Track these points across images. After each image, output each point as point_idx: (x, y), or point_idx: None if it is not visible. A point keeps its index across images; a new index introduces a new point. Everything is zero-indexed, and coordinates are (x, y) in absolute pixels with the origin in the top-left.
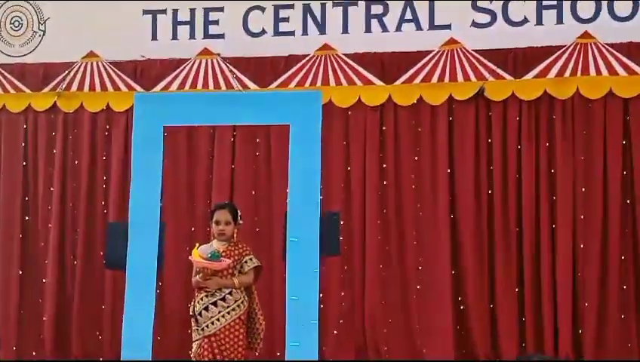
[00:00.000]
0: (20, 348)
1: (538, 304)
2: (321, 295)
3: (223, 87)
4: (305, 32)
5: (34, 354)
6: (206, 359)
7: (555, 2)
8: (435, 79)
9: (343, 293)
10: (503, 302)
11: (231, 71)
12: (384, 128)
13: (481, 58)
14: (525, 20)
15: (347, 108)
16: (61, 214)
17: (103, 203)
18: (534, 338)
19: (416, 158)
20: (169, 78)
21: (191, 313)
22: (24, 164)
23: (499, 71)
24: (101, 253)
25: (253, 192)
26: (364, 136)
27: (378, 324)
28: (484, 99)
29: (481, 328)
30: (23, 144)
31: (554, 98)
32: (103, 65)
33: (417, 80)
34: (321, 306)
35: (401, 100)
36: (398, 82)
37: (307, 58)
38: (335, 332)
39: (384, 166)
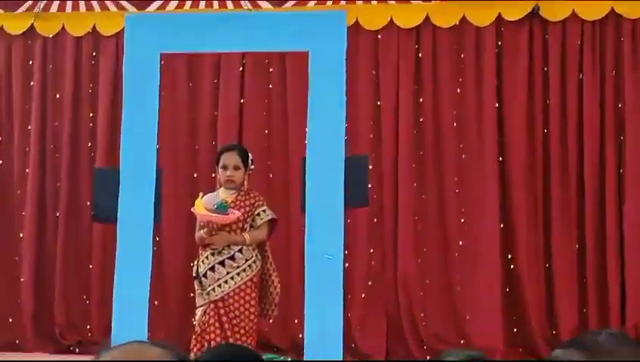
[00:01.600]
0: None
1: (602, 263)
2: (345, 252)
3: (230, 7)
4: None
5: (10, 320)
6: (212, 327)
7: None
8: None
9: (372, 250)
10: (561, 261)
11: None
12: (420, 55)
13: None
14: None
15: (377, 30)
16: (40, 158)
17: (90, 144)
18: (597, 304)
19: (458, 90)
20: None
21: (194, 274)
22: None
23: None
24: (88, 204)
25: (266, 131)
26: (397, 64)
27: (413, 286)
28: (539, 20)
29: (535, 292)
30: None
31: (622, 17)
32: None
33: None
34: (346, 265)
35: (440, 21)
36: None
37: None
38: (363, 295)
39: (420, 100)
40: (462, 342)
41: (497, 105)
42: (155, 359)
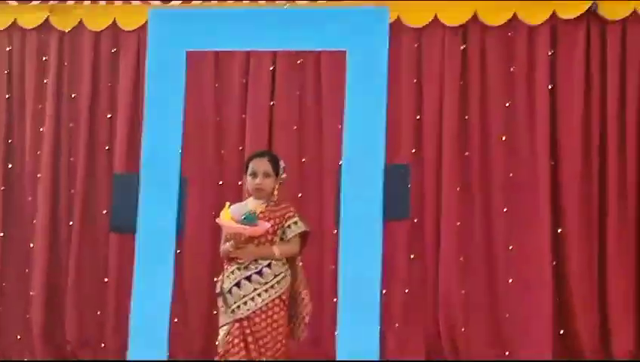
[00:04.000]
0: (1, 330)
1: None
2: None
3: (262, 1)
4: None
5: (18, 337)
6: (236, 348)
7: None
8: None
9: (411, 267)
10: (616, 275)
11: None
12: (467, 55)
13: None
14: None
15: (420, 28)
16: (54, 162)
17: (108, 148)
18: None
19: (507, 94)
20: None
21: (218, 290)
22: (7, 96)
23: None
24: (104, 212)
25: (298, 137)
26: (442, 65)
27: (455, 306)
28: (597, 18)
29: (589, 322)
30: (7, 71)
31: None
32: None
33: None
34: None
35: (489, 19)
36: None
37: None
38: (401, 315)
39: (467, 104)
40: None
41: (550, 110)
42: None
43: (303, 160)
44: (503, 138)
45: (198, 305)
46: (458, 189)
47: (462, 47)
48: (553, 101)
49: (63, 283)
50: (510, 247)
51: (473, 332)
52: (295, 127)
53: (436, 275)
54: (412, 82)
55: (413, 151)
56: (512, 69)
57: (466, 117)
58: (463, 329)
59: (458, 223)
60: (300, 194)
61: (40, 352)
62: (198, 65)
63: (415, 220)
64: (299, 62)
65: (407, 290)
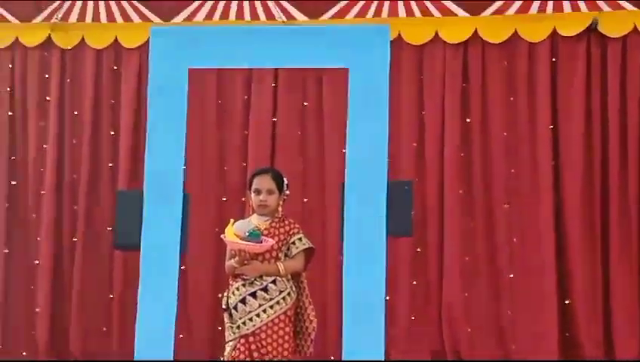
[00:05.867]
0: (7, 347)
1: None
2: (386, 284)
3: (263, 19)
4: None
5: (24, 354)
6: None
7: None
8: (534, 9)
9: (414, 282)
10: (620, 294)
11: None
12: (468, 72)
13: None
14: None
15: (421, 45)
16: (57, 178)
17: (111, 165)
18: None
19: (509, 111)
20: (193, 7)
21: (224, 306)
22: (10, 113)
23: None
24: (108, 229)
25: (301, 153)
26: (443, 82)
27: (459, 322)
28: (597, 35)
29: (593, 331)
30: (9, 89)
31: None
32: None
33: (511, 10)
34: (387, 298)
35: (490, 36)
36: (486, 13)
37: None
38: (405, 331)
39: (467, 120)
40: None
41: (552, 126)
42: None
43: (306, 177)
44: (504, 146)
45: (203, 320)
46: (460, 192)
47: (463, 64)
48: (554, 118)
49: (68, 299)
50: (511, 275)
51: (477, 335)
52: (297, 144)
53: (440, 293)
54: (414, 98)
55: (415, 161)
56: (513, 85)
57: (468, 140)
58: (469, 330)
59: (462, 246)
60: (302, 208)
61: None
62: (201, 82)
63: (418, 248)
64: (301, 78)
65: (412, 309)
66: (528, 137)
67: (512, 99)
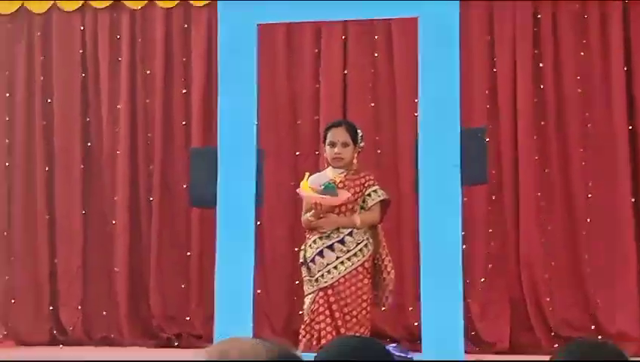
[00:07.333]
0: (86, 307)
1: None
2: (463, 233)
3: None
4: None
5: (104, 313)
6: (321, 316)
7: None
8: None
9: (491, 230)
10: None
11: None
12: (539, 16)
13: None
14: None
15: None
16: (131, 138)
17: (184, 123)
18: None
19: (582, 54)
20: None
21: (301, 260)
22: (83, 75)
23: None
24: (184, 187)
25: (373, 104)
26: (514, 28)
27: (537, 268)
28: None
29: None
30: (81, 51)
31: None
32: None
33: None
34: (464, 247)
35: None
36: None
37: None
38: (483, 279)
39: (540, 65)
40: (593, 328)
41: (625, 68)
42: (249, 356)
43: (379, 128)
44: (578, 90)
45: (280, 275)
46: (536, 158)
47: (534, 9)
48: (628, 59)
49: (146, 258)
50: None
51: (555, 281)
52: (369, 95)
53: (517, 240)
54: (485, 46)
55: (488, 108)
56: (585, 26)
57: (541, 86)
58: (546, 276)
59: (538, 193)
60: (376, 160)
61: (126, 328)
62: (270, 37)
63: (494, 195)
64: (371, 29)
65: (489, 257)
66: (602, 80)
67: (584, 41)
